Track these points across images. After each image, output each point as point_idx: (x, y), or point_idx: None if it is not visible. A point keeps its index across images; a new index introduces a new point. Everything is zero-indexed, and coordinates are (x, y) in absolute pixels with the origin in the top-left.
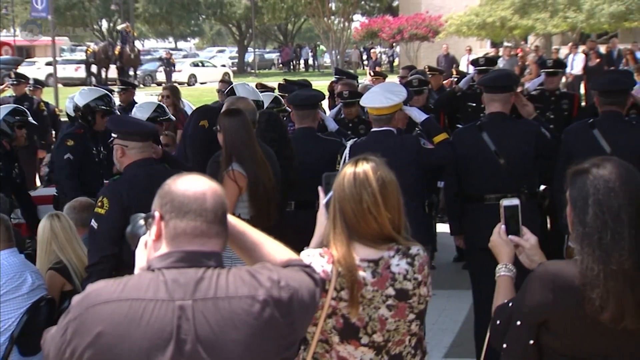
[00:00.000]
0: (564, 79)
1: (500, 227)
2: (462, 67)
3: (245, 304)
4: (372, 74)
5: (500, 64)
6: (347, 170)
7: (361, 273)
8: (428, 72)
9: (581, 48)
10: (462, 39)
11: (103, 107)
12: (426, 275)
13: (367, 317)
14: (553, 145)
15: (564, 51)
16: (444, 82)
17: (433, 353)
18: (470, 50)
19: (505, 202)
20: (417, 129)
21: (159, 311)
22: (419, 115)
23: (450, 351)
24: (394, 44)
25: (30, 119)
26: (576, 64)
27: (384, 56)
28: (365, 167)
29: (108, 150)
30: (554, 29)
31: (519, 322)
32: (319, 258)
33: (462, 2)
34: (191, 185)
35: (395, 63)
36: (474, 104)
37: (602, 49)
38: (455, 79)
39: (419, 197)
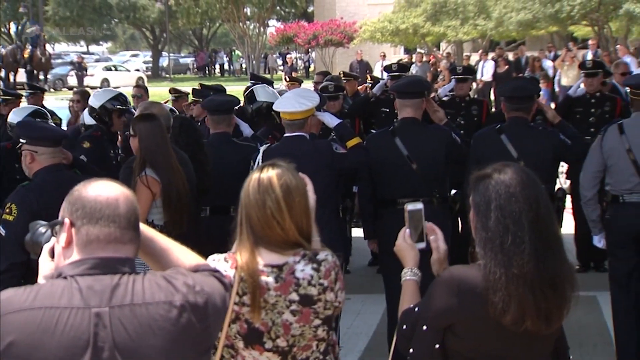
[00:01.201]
0: (474, 85)
1: (405, 232)
2: (376, 73)
3: (163, 309)
4: (287, 79)
5: (413, 70)
6: (253, 177)
7: (264, 278)
8: (343, 78)
9: (491, 55)
10: (376, 45)
11: (119, 106)
12: (333, 281)
13: (270, 322)
14: (463, 150)
15: (474, 58)
16: (359, 87)
17: (347, 357)
18: (384, 56)
19: (409, 207)
20: (332, 134)
21: (74, 319)
22: (331, 121)
23: (364, 355)
24: (309, 50)
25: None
26: (486, 70)
27: (299, 62)
28: (270, 174)
29: (126, 152)
30: (464, 36)
31: (425, 327)
32: (223, 263)
33: (376, 9)
34: (103, 190)
35: (311, 68)
36: (387, 110)
37: (511, 56)
38: (370, 85)
39: (333, 202)
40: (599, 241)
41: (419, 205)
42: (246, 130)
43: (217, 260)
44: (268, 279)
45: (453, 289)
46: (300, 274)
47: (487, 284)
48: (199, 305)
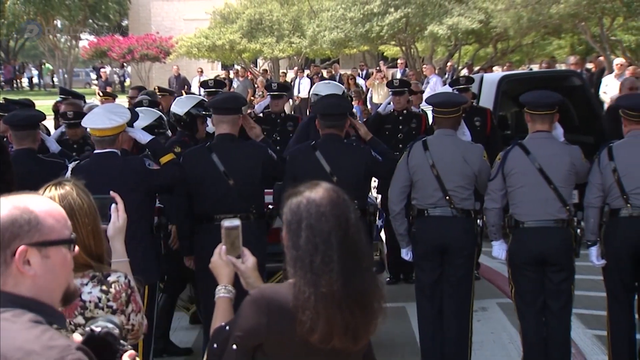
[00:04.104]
0: (290, 102)
1: (221, 248)
2: (194, 89)
3: None
4: (101, 94)
5: (235, 85)
6: None
7: None
8: (158, 93)
9: (307, 72)
10: (194, 61)
11: (203, 112)
12: (124, 303)
13: None
14: (280, 166)
15: (291, 75)
16: None
17: None
18: (201, 72)
19: (226, 223)
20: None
21: None
22: (143, 137)
23: None
24: (124, 64)
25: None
26: (302, 87)
27: (115, 76)
28: (52, 194)
29: None
30: (280, 53)
31: (234, 346)
32: None
33: (192, 24)
34: None
35: (127, 83)
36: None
37: (325, 73)
38: None
39: (147, 219)
40: (406, 254)
41: (236, 222)
42: (52, 146)
43: None
44: None
45: (262, 308)
46: (87, 297)
47: (296, 303)
48: None
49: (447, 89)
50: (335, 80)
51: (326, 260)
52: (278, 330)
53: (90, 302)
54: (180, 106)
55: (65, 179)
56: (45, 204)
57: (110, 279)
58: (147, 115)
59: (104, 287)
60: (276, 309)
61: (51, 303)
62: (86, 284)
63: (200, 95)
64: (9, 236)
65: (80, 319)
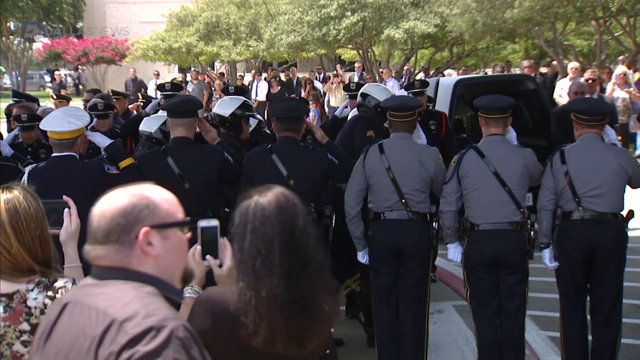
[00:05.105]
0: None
1: (196, 248)
2: (151, 91)
3: None
4: (55, 97)
5: (190, 88)
6: None
7: None
8: (113, 96)
9: (264, 75)
10: (150, 63)
11: (248, 114)
12: None
13: None
14: (236, 169)
15: (248, 78)
16: (130, 106)
17: None
18: (158, 75)
19: (202, 224)
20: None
21: None
22: (102, 141)
23: None
24: (79, 67)
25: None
26: (260, 90)
27: (69, 79)
28: None
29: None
30: (237, 56)
31: None
32: None
33: (148, 27)
34: None
35: (82, 86)
36: None
37: (283, 76)
38: (141, 104)
39: None
40: (362, 257)
41: (214, 223)
42: (5, 149)
43: None
44: None
45: (208, 310)
46: (32, 303)
47: (238, 306)
48: None
49: (404, 92)
50: (293, 84)
51: (267, 264)
52: (222, 332)
53: (35, 308)
54: (224, 107)
55: (14, 184)
56: (158, 191)
57: (57, 284)
58: (228, 103)
59: (50, 293)
60: (220, 312)
61: (171, 281)
62: (32, 290)
63: (156, 98)
64: (132, 220)
65: (25, 325)
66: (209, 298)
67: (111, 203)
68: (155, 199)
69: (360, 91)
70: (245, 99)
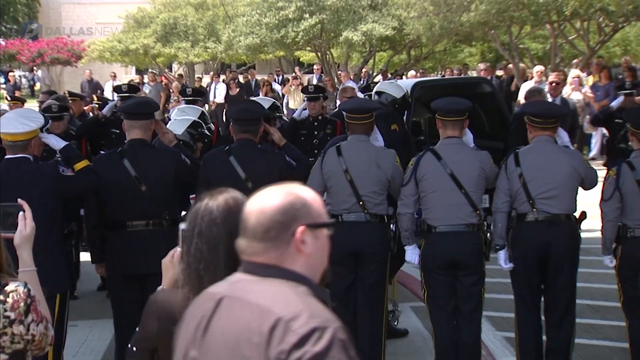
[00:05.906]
0: (206, 107)
1: (176, 251)
2: (107, 93)
3: None
4: (9, 98)
5: (147, 90)
6: None
7: None
8: (69, 98)
9: (222, 77)
10: (107, 65)
11: (277, 114)
12: (22, 313)
13: None
14: (194, 171)
15: (206, 80)
16: (85, 107)
17: None
18: (114, 76)
19: (183, 226)
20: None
21: None
22: (57, 143)
23: None
24: (34, 68)
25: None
26: (218, 92)
27: (24, 80)
28: None
29: None
30: (195, 58)
31: (134, 349)
32: None
33: (105, 28)
34: None
35: (37, 87)
36: (118, 131)
37: (242, 78)
38: (97, 105)
39: (59, 226)
40: None
41: None
42: None
43: None
44: None
45: (154, 313)
46: None
47: (182, 310)
48: None
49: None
50: (252, 86)
51: (212, 268)
52: (167, 335)
53: None
54: (175, 127)
55: None
56: (308, 191)
57: (8, 288)
58: (190, 112)
59: (1, 297)
60: (166, 315)
61: (316, 281)
62: None
63: (112, 99)
64: (290, 218)
65: None
66: (155, 301)
67: (269, 201)
68: (308, 199)
69: (375, 90)
70: (274, 100)
